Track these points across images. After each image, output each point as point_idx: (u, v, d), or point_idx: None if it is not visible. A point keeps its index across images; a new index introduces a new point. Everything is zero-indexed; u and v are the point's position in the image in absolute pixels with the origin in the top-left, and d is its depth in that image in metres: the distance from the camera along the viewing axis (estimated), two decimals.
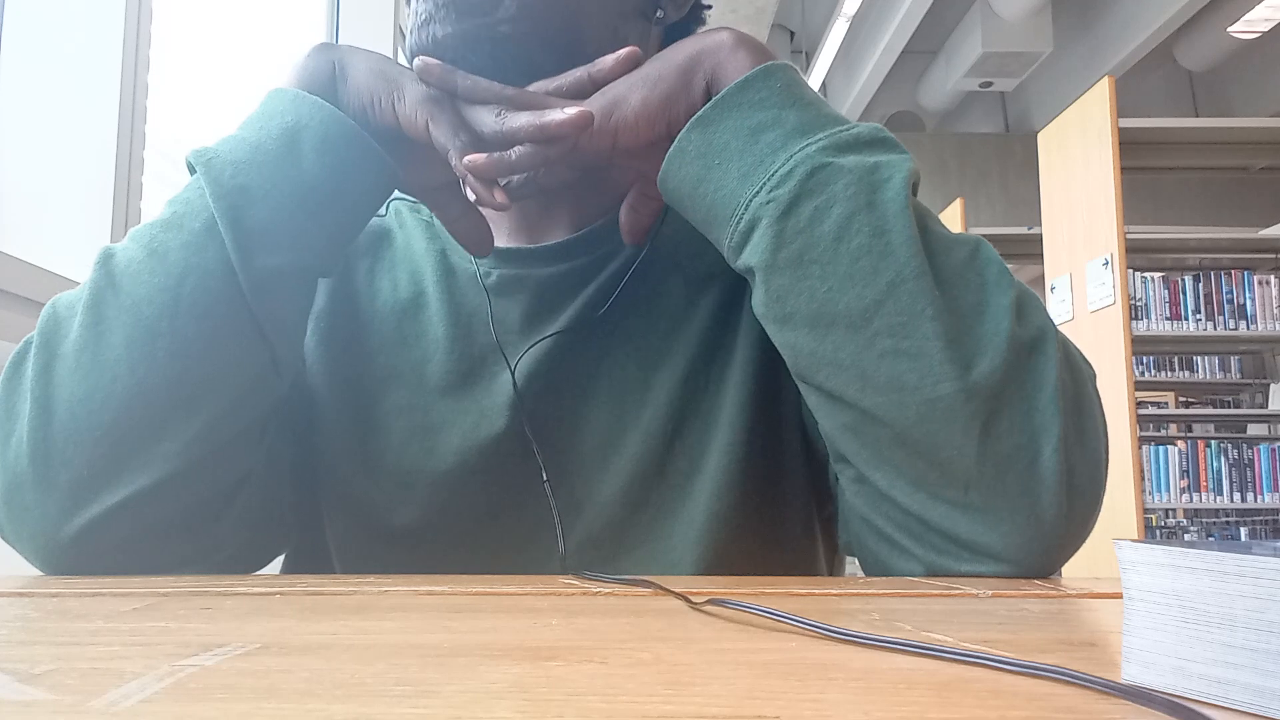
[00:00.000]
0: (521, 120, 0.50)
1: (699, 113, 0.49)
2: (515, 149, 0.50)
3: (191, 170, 0.51)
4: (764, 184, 0.47)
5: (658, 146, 0.51)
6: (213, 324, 0.48)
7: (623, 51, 0.51)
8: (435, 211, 0.57)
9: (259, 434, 0.53)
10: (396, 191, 0.58)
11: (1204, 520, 4.24)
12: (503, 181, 0.53)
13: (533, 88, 0.52)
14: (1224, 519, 4.24)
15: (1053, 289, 3.48)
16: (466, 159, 0.50)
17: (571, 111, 0.49)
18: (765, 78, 0.49)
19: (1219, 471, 3.26)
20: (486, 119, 0.51)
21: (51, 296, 0.51)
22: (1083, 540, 0.48)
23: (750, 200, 0.47)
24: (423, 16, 0.54)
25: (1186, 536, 4.11)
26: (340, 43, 0.55)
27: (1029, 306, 0.48)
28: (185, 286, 0.48)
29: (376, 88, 0.52)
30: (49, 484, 0.46)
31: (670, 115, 0.50)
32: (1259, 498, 3.25)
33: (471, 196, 0.56)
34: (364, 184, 0.52)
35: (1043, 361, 0.46)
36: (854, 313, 0.46)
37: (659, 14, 0.61)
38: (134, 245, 0.50)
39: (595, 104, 0.50)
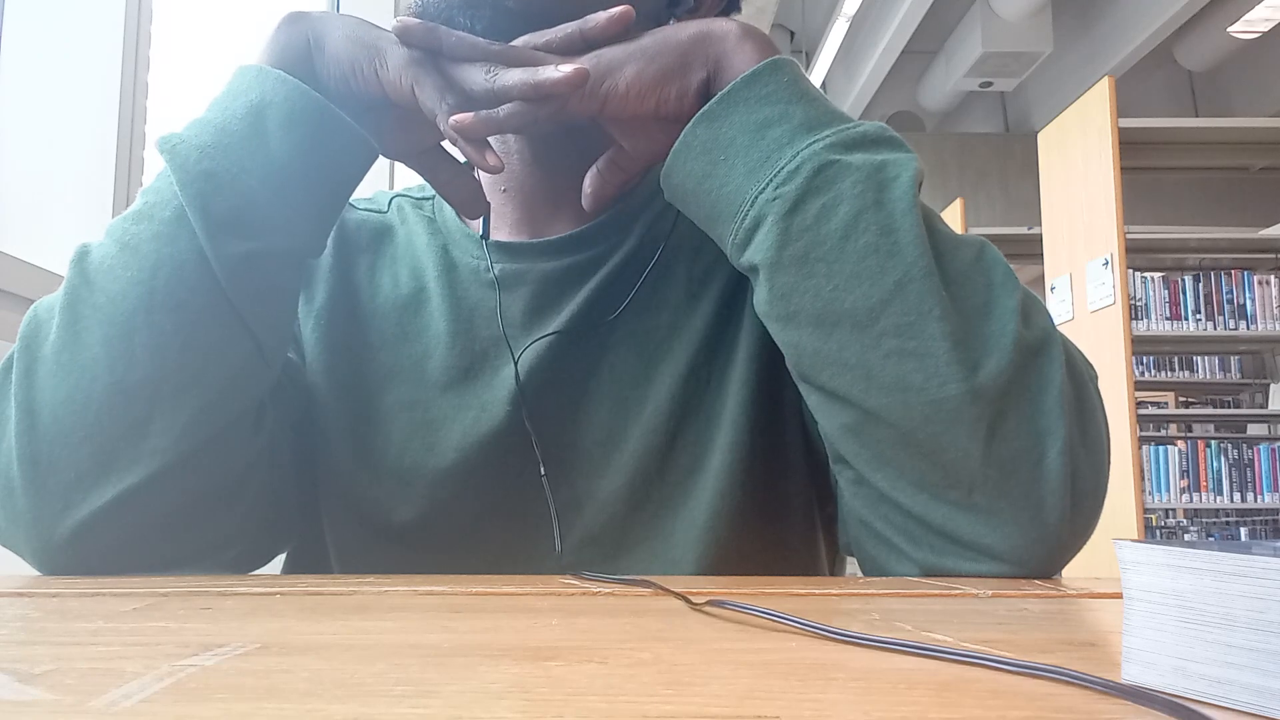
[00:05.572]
0: (514, 78, 0.48)
1: (705, 107, 0.48)
2: (504, 106, 0.49)
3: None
4: (770, 180, 0.46)
5: (642, 120, 0.50)
6: (190, 315, 0.47)
7: (616, 10, 0.50)
8: (425, 176, 0.55)
9: (253, 424, 0.52)
10: (399, 187, 0.58)
11: (1204, 520, 4.24)
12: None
13: (520, 41, 0.51)
14: (1224, 519, 4.24)
15: (1053, 289, 3.48)
16: (453, 119, 0.48)
17: (567, 70, 0.47)
18: (773, 72, 0.48)
19: (1219, 471, 3.26)
20: (476, 77, 0.49)
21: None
22: (1085, 542, 0.48)
23: (756, 196, 0.47)
24: None
25: (1186, 536, 4.11)
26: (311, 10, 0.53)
27: (1033, 309, 0.47)
28: (159, 279, 0.47)
29: (356, 55, 0.50)
30: (39, 488, 0.46)
31: (661, 93, 0.49)
32: (1259, 498, 3.25)
33: (463, 160, 0.54)
34: (337, 160, 0.51)
35: (1048, 364, 0.46)
36: (860, 312, 0.45)
37: (691, 1, 0.59)
38: (108, 240, 0.49)
39: (588, 64, 0.49)
